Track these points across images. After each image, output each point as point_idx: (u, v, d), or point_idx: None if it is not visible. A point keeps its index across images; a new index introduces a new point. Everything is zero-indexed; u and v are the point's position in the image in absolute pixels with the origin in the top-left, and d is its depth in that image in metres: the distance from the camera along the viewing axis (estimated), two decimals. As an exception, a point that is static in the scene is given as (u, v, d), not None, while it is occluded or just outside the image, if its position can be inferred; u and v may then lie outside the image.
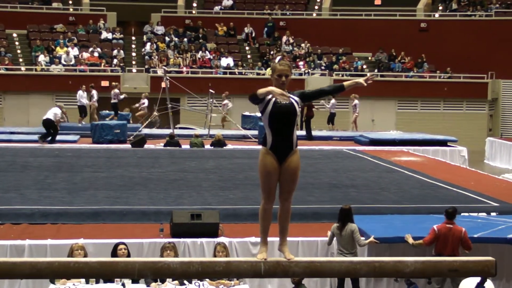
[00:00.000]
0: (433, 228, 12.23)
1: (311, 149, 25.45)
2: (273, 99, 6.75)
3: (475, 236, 12.68)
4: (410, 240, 12.34)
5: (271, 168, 6.81)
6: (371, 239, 12.49)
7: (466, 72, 39.13)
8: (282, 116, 6.78)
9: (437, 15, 42.97)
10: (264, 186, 6.86)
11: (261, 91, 6.68)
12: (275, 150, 6.81)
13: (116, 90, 32.06)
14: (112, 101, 31.89)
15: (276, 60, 6.91)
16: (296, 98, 6.83)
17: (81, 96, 32.10)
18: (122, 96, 31.97)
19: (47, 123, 26.79)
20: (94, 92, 32.19)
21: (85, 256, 11.11)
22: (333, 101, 33.43)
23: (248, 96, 6.85)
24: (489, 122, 39.56)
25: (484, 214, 14.84)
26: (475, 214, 14.77)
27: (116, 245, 11.46)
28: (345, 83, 7.02)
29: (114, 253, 11.26)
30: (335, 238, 12.52)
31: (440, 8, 43.83)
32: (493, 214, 14.90)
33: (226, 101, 33.71)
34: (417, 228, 13.09)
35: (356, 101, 33.45)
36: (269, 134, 6.87)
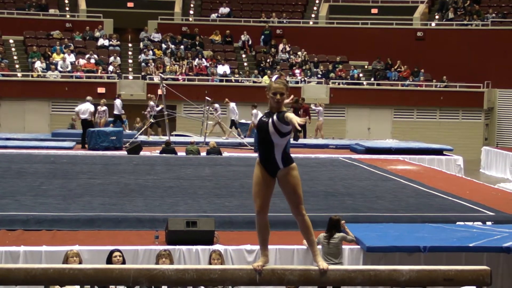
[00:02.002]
0: None
1: (306, 157, 25.47)
2: (260, 116, 6.74)
3: (471, 245, 12.68)
4: None
5: (260, 179, 6.79)
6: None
7: (462, 81, 39.22)
8: (263, 135, 6.71)
9: (433, 24, 43.06)
10: (254, 194, 6.86)
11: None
12: (263, 162, 6.79)
13: (151, 103, 31.23)
14: (149, 113, 31.02)
15: (273, 78, 6.84)
16: (275, 117, 6.62)
17: (117, 105, 31.99)
18: (158, 108, 31.01)
19: (85, 124, 27.70)
20: (117, 101, 32.12)
21: (80, 263, 11.09)
22: (320, 108, 33.44)
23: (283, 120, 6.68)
24: (485, 131, 39.61)
25: (480, 223, 14.85)
26: (471, 223, 14.77)
27: (111, 252, 11.44)
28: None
29: (109, 260, 11.25)
30: (320, 247, 12.49)
31: (437, 17, 43.92)
32: (488, 223, 14.91)
33: (320, 108, 33.66)
34: (412, 238, 13.09)
35: (320, 108, 33.51)
36: (261, 148, 6.85)
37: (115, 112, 32.01)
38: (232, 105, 32.60)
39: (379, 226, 14.26)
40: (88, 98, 29.13)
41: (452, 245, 12.84)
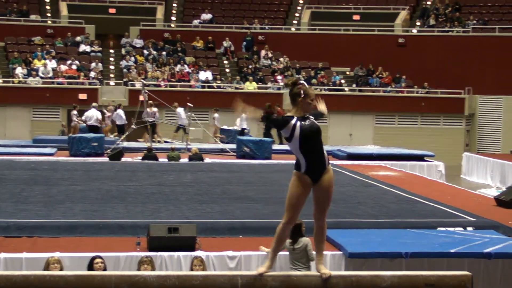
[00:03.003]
0: None
1: (289, 163, 25.39)
2: (298, 123, 6.89)
3: (452, 251, 12.71)
4: None
5: (303, 191, 6.98)
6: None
7: (443, 87, 39.37)
8: (311, 137, 6.92)
9: (415, 30, 43.22)
10: (292, 208, 6.99)
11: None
12: (310, 172, 6.94)
13: (154, 109, 31.31)
14: (149, 119, 30.66)
15: (305, 84, 7.10)
16: (312, 118, 7.04)
17: (121, 115, 31.90)
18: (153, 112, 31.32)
19: (92, 130, 28.37)
20: (120, 111, 32.08)
21: (61, 270, 11.05)
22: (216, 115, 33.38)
23: (269, 121, 7.06)
24: (466, 137, 39.78)
25: (461, 228, 14.89)
26: (452, 229, 14.81)
27: (93, 258, 11.39)
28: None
29: (90, 267, 11.19)
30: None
31: (418, 23, 44.09)
32: (469, 229, 14.95)
33: (216, 115, 33.72)
34: (394, 243, 13.11)
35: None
36: (302, 158, 6.97)
37: (119, 122, 32.03)
38: (180, 110, 32.62)
39: (361, 232, 14.27)
40: (94, 104, 29.42)
41: (434, 251, 12.87)
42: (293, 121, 6.91)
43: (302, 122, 6.92)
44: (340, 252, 12.99)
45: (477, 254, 12.76)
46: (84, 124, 31.03)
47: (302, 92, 7.05)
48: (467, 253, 12.78)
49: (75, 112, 32.29)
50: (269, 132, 31.09)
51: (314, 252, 12.29)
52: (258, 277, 6.74)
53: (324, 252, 12.51)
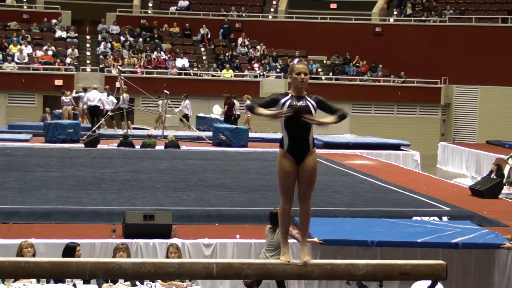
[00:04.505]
0: None
1: (265, 151, 25.45)
2: (288, 101, 6.88)
3: (419, 240, 12.74)
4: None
5: (289, 169, 6.95)
6: (315, 239, 12.60)
7: (419, 76, 39.49)
8: (297, 119, 6.87)
9: (391, 19, 43.30)
10: (282, 188, 7.00)
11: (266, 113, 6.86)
12: (292, 151, 6.93)
13: (124, 95, 31.02)
14: (125, 106, 30.74)
15: (295, 61, 7.09)
16: (313, 102, 7.00)
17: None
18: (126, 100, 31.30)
19: (93, 111, 29.42)
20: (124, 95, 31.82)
21: (34, 254, 11.02)
22: (187, 101, 33.15)
23: (250, 107, 6.93)
24: (442, 126, 39.95)
25: (436, 218, 14.97)
26: (427, 218, 14.88)
27: (72, 246, 11.29)
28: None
29: (68, 254, 11.11)
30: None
31: (395, 13, 44.18)
32: (444, 218, 15.03)
33: (248, 102, 33.52)
34: (367, 232, 13.15)
35: (248, 102, 33.43)
36: (286, 137, 6.98)
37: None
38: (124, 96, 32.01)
39: (336, 220, 14.30)
40: (95, 86, 30.06)
41: (400, 240, 12.91)
42: (283, 99, 6.90)
43: (294, 101, 6.90)
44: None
45: (445, 244, 12.76)
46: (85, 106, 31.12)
47: (289, 69, 7.10)
48: (434, 243, 12.79)
49: (65, 98, 31.80)
50: (229, 120, 31.75)
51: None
52: (234, 265, 6.73)
53: (293, 241, 12.64)
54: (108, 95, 31.11)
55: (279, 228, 7.21)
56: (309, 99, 7.01)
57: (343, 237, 12.86)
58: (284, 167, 6.94)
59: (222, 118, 32.96)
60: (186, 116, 32.65)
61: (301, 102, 6.94)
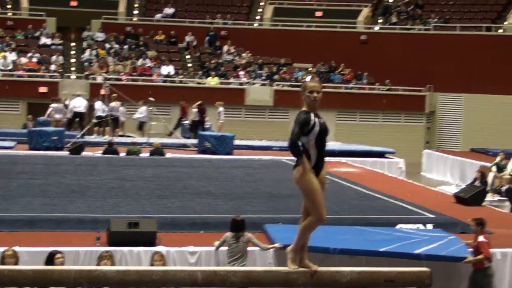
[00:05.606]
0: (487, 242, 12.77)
1: (250, 158, 25.45)
2: (316, 120, 6.98)
3: (381, 250, 12.72)
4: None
5: (319, 186, 7.02)
6: (276, 245, 12.66)
7: (404, 84, 39.60)
8: (325, 135, 7.07)
9: (377, 28, 43.44)
10: (321, 202, 7.03)
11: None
12: (316, 166, 7.04)
13: (113, 104, 30.88)
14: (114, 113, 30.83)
15: (307, 79, 7.10)
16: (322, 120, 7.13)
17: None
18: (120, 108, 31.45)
19: (80, 116, 30.52)
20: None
21: (17, 263, 10.96)
22: (143, 108, 32.71)
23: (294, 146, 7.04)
24: (426, 134, 40.07)
25: (421, 225, 14.99)
26: (411, 225, 14.90)
27: (52, 254, 11.27)
28: None
29: (49, 262, 11.08)
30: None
31: (380, 21, 44.33)
32: (429, 226, 15.06)
33: (220, 109, 33.42)
34: (333, 239, 13.13)
35: (220, 108, 33.46)
36: (314, 153, 7.04)
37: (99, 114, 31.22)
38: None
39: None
40: (79, 93, 30.12)
41: (363, 249, 12.98)
42: (311, 119, 6.99)
43: (317, 119, 7.02)
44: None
45: (407, 255, 12.61)
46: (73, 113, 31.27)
47: (302, 87, 7.15)
48: (396, 253, 12.71)
49: (56, 105, 31.32)
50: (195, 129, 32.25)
51: (264, 244, 12.60)
52: (219, 272, 6.71)
53: (257, 248, 12.65)
54: (102, 103, 30.98)
55: (296, 239, 7.25)
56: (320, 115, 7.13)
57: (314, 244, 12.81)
58: (316, 183, 6.99)
59: (189, 127, 33.04)
60: (142, 124, 32.51)
61: (320, 119, 7.08)
